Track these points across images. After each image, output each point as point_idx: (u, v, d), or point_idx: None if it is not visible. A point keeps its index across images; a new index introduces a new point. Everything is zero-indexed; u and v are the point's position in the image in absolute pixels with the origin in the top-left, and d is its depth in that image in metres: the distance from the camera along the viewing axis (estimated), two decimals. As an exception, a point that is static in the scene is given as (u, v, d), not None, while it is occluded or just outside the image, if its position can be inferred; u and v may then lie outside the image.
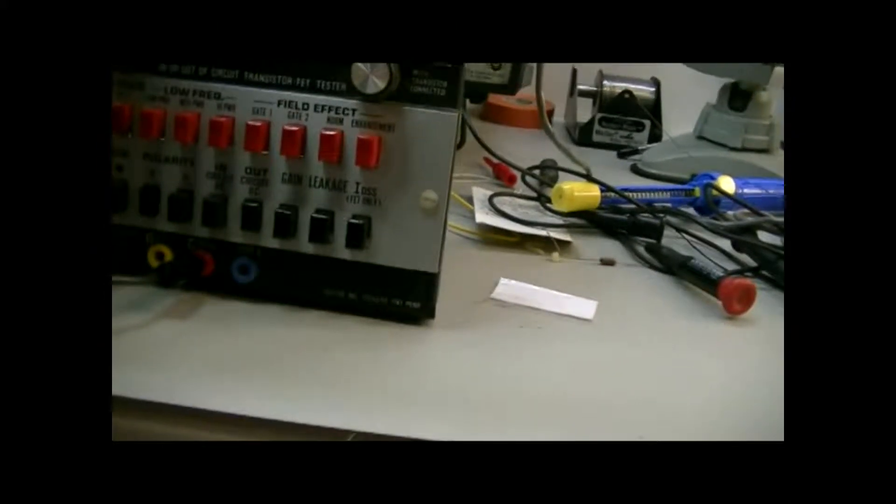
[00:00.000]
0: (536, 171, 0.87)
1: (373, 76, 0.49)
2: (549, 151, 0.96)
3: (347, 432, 0.42)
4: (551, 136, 0.93)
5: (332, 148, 0.51)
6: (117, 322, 0.49)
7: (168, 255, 0.54)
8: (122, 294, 0.53)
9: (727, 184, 0.86)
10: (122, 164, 0.54)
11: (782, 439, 0.41)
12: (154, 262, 0.55)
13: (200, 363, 0.47)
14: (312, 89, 0.52)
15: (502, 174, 0.89)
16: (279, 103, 0.52)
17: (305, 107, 0.51)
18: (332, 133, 0.51)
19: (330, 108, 0.51)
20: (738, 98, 1.04)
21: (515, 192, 0.85)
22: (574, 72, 1.21)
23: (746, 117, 1.03)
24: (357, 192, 0.52)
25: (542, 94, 0.97)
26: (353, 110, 0.51)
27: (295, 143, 0.51)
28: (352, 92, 0.51)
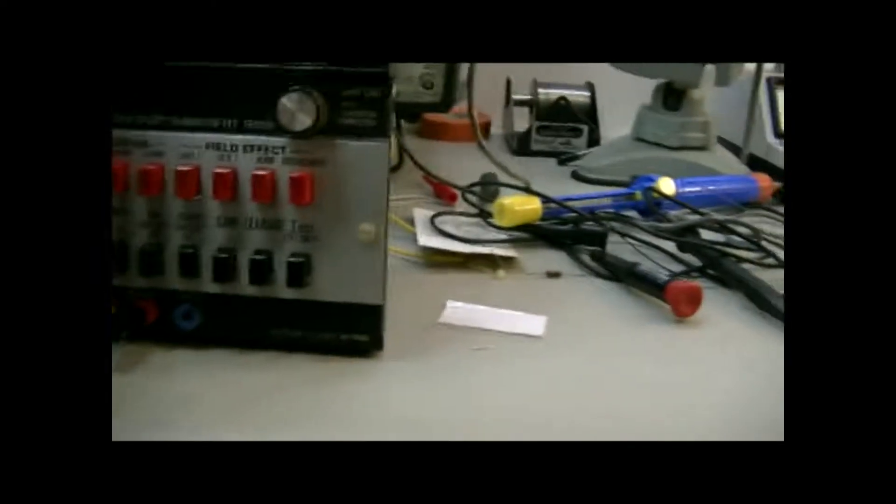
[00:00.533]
0: (476, 188, 0.87)
1: (299, 113, 0.49)
2: (488, 165, 0.96)
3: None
4: (486, 152, 0.94)
5: (264, 188, 0.50)
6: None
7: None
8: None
9: (667, 185, 0.86)
10: (53, 219, 0.53)
11: (740, 438, 0.43)
12: (94, 316, 0.53)
13: (149, 416, 0.47)
14: (240, 130, 0.51)
15: (443, 192, 0.89)
16: (207, 146, 0.51)
17: (234, 148, 0.51)
18: (263, 173, 0.50)
19: (259, 148, 0.51)
20: (671, 97, 1.05)
21: (456, 210, 0.84)
22: (508, 82, 1.21)
23: (682, 116, 1.04)
24: (294, 229, 0.51)
25: (478, 107, 0.97)
26: (283, 148, 0.50)
27: (227, 185, 0.50)
28: (280, 130, 0.50)
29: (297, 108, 0.49)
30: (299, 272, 0.51)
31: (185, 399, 0.49)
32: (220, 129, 0.51)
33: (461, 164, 0.98)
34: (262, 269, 0.51)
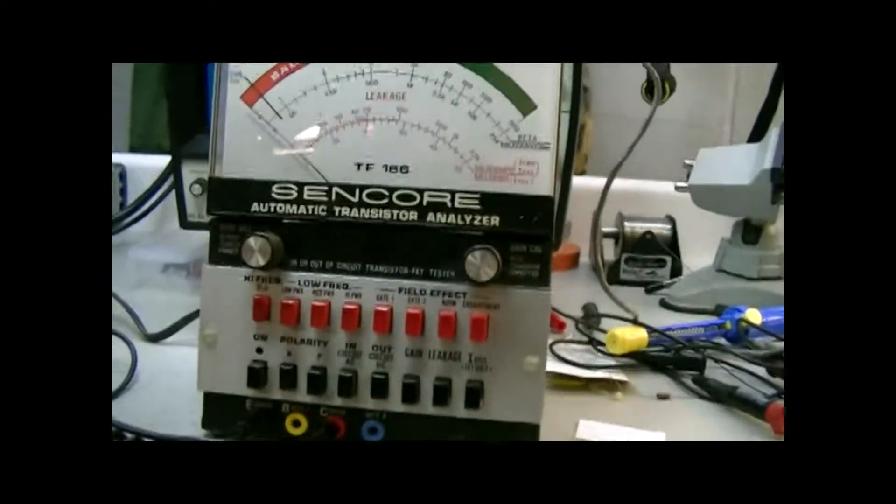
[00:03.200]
0: (589, 320, 0.98)
1: (484, 266, 0.60)
2: (583, 294, 1.07)
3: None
4: (611, 294, 1.05)
5: (448, 326, 0.61)
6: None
7: (303, 421, 0.64)
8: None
9: (754, 315, 0.96)
10: (263, 347, 0.64)
11: None
12: (291, 429, 0.64)
13: None
14: (426, 277, 0.62)
15: (552, 321, 0.99)
16: (400, 290, 0.62)
17: (423, 292, 0.62)
18: (448, 314, 0.61)
19: (444, 293, 0.62)
20: (750, 233, 1.15)
21: (566, 337, 0.95)
22: (596, 216, 1.32)
23: (759, 249, 1.14)
24: (471, 361, 0.62)
25: (567, 239, 1.09)
26: (464, 293, 0.62)
27: (416, 323, 0.61)
28: (460, 277, 0.61)
29: (481, 263, 0.60)
30: (475, 396, 0.61)
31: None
32: (409, 276, 0.62)
33: (561, 293, 1.08)
34: (443, 393, 0.62)
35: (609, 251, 1.32)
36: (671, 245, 1.29)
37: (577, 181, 1.22)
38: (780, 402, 0.74)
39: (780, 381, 0.84)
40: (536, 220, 0.61)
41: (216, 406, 0.65)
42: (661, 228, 1.30)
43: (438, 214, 0.61)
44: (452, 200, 0.61)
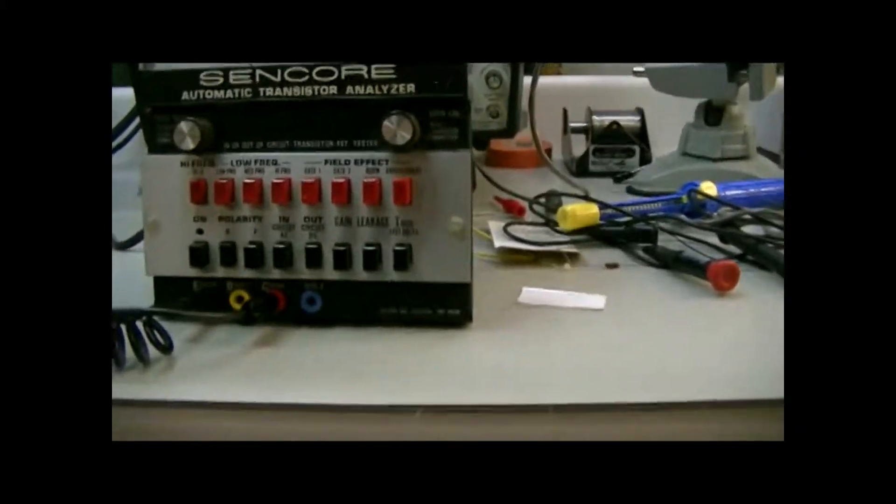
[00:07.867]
0: (542, 199, 0.99)
1: (400, 130, 0.62)
2: (550, 185, 1.09)
3: (416, 407, 0.53)
4: (549, 164, 1.06)
5: (373, 193, 0.63)
6: (214, 353, 0.62)
7: (246, 296, 0.67)
8: (214, 332, 0.66)
9: (709, 187, 0.97)
10: (203, 228, 0.66)
11: (771, 394, 0.46)
12: (236, 305, 0.67)
13: (285, 380, 0.58)
14: (350, 148, 0.64)
15: (512, 208, 1.01)
16: (325, 162, 0.64)
17: (347, 162, 0.64)
18: (372, 181, 0.63)
19: (367, 161, 0.64)
20: (712, 114, 1.16)
21: (525, 220, 0.97)
22: (565, 111, 1.34)
23: (722, 130, 1.15)
24: (397, 225, 0.64)
25: (539, 134, 1.10)
26: (386, 160, 0.63)
27: (342, 192, 0.63)
28: (383, 146, 0.63)
29: (397, 127, 0.62)
30: (403, 258, 0.63)
31: (315, 366, 0.61)
32: (334, 149, 0.64)
33: (526, 186, 1.10)
34: (373, 258, 0.64)
35: (581, 147, 1.33)
36: (640, 136, 1.30)
37: (550, 80, 1.25)
38: (721, 261, 0.76)
39: (731, 247, 0.86)
40: (450, 83, 0.62)
41: (165, 288, 0.68)
42: (628, 120, 1.31)
43: (357, 87, 0.63)
44: (369, 72, 0.63)
